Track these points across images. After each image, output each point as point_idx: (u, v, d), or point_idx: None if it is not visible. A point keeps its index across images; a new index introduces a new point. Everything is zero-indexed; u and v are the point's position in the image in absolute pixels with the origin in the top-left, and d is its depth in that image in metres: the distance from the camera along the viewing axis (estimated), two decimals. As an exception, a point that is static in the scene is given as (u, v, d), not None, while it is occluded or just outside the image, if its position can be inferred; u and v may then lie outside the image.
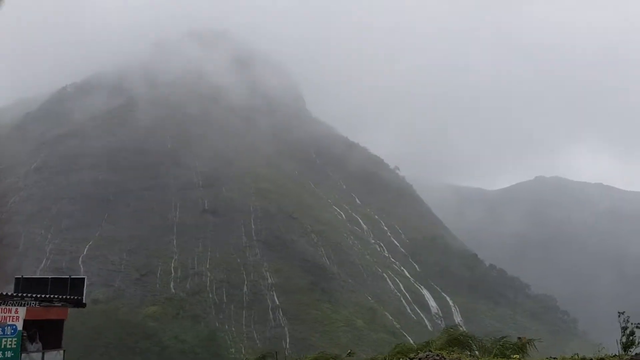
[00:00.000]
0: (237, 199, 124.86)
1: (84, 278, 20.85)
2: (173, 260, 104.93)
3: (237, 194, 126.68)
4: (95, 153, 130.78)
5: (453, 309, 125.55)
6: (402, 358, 13.07)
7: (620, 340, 14.08)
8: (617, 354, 13.36)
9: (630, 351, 13.52)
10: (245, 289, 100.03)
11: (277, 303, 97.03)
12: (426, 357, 12.45)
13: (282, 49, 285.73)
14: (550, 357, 13.24)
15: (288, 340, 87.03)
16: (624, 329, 14.08)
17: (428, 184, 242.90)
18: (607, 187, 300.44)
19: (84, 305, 19.54)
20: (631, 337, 13.98)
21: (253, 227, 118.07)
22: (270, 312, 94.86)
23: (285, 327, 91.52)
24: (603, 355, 12.95)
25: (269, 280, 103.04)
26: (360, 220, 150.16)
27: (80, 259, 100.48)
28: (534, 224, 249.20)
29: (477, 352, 14.81)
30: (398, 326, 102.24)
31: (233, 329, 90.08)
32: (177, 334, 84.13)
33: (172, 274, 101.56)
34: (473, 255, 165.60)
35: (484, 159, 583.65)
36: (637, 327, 14.05)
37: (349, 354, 15.71)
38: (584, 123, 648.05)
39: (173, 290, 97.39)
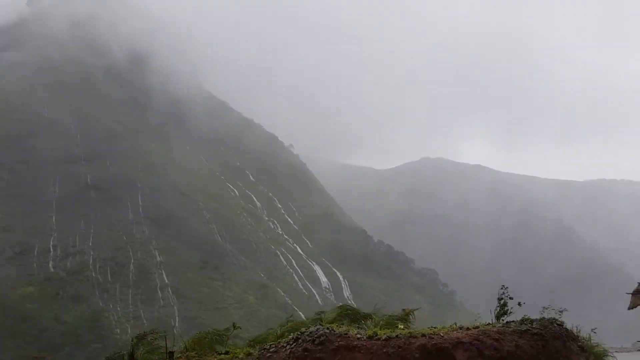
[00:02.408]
0: (122, 174, 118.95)
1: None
2: (52, 238, 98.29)
3: (122, 168, 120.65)
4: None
5: (343, 283, 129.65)
6: (293, 333, 12.99)
7: (495, 309, 14.93)
8: (491, 323, 14.15)
9: (502, 320, 14.37)
10: (131, 267, 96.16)
11: (166, 282, 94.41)
12: (316, 330, 12.46)
13: (177, 22, 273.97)
14: (431, 327, 13.77)
15: (177, 319, 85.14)
16: (500, 299, 14.96)
17: (321, 162, 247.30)
18: (485, 169, 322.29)
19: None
20: (505, 308, 14.86)
21: (140, 203, 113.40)
22: (159, 291, 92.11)
23: (175, 306, 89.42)
24: (478, 324, 13.67)
25: (158, 259, 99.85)
26: (253, 198, 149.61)
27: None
28: (418, 202, 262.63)
29: (364, 325, 15.15)
30: (290, 302, 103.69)
31: (118, 309, 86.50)
32: (57, 316, 79.29)
33: (51, 252, 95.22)
34: (362, 231, 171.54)
35: (374, 139, 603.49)
36: (510, 298, 14.95)
37: (234, 328, 15.37)
38: (469, 108, 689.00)
39: (52, 270, 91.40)
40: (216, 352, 13.67)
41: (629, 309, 32.39)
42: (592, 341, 16.34)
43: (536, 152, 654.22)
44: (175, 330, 71.13)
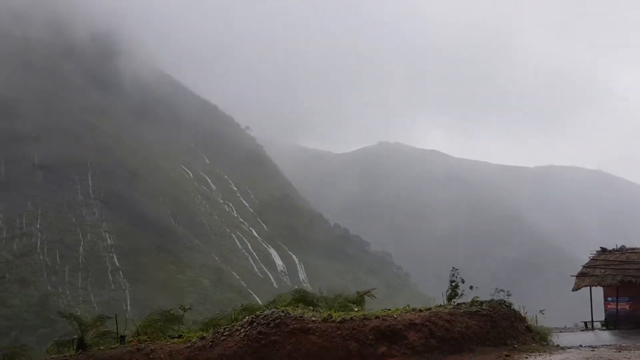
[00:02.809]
0: (72, 154, 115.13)
1: None
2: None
3: (72, 148, 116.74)
4: None
5: (298, 266, 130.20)
6: (248, 316, 12.95)
7: (447, 292, 15.29)
8: (443, 304, 14.47)
9: (453, 301, 14.72)
10: (81, 250, 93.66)
11: (118, 265, 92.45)
12: (271, 313, 12.46)
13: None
14: (385, 309, 14.00)
15: (129, 303, 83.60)
16: (451, 282, 15.32)
17: (278, 145, 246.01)
18: (441, 154, 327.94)
19: None
20: (456, 290, 15.23)
21: (90, 184, 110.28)
22: (110, 275, 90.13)
23: (126, 289, 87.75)
24: (431, 306, 13.98)
25: (108, 241, 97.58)
26: (208, 180, 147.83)
27: None
28: (375, 186, 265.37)
29: (320, 307, 15.25)
30: (245, 285, 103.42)
31: (67, 292, 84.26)
32: (3, 299, 76.62)
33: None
34: (319, 215, 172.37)
35: (333, 123, 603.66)
36: (462, 281, 15.32)
37: (184, 310, 15.23)
38: (427, 94, 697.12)
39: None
40: (169, 335, 13.51)
41: (573, 290, 33.80)
42: (538, 322, 16.97)
43: (491, 138, 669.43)
44: (127, 315, 69.88)
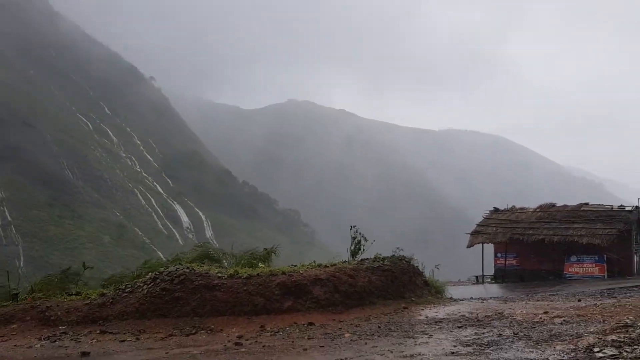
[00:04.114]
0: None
1: None
2: None
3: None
4: None
5: (205, 223, 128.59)
6: (151, 272, 12.68)
7: (350, 248, 15.75)
8: (347, 260, 14.91)
9: (357, 257, 15.21)
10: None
11: (9, 219, 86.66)
12: (176, 270, 12.28)
13: None
14: (291, 265, 14.23)
15: (22, 260, 79.05)
16: (354, 238, 15.78)
17: (184, 98, 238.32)
18: (349, 114, 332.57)
19: None
20: (358, 245, 15.73)
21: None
22: (1, 230, 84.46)
23: (19, 245, 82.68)
24: (336, 261, 14.34)
25: (0, 195, 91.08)
26: (109, 132, 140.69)
27: None
28: (284, 143, 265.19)
29: (226, 264, 15.21)
30: (148, 242, 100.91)
31: (-47, 249, 78.34)
32: None
33: None
34: (227, 171, 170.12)
35: (242, 77, 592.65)
36: (364, 238, 15.83)
37: (85, 267, 14.66)
38: (338, 53, 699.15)
39: None
40: (66, 293, 12.96)
41: (467, 247, 36.16)
42: (434, 276, 18.01)
43: (398, 101, 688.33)
44: (20, 271, 66.14)
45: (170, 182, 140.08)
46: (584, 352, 6.72)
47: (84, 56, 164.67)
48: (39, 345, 9.50)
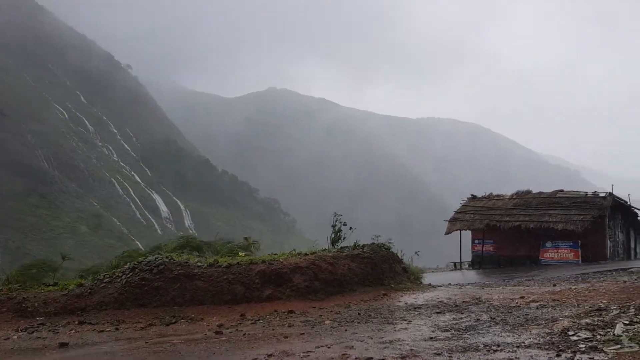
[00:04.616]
0: None
1: None
2: None
3: None
4: None
5: (184, 213, 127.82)
6: (130, 262, 12.57)
7: (330, 236, 15.81)
8: (327, 248, 14.98)
9: (337, 245, 15.28)
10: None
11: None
12: (155, 259, 12.20)
13: None
14: (272, 254, 14.24)
15: (-2, 251, 77.85)
16: (334, 226, 15.84)
17: (162, 86, 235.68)
18: (329, 102, 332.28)
19: None
20: (338, 234, 15.79)
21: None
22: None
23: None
24: (316, 250, 14.39)
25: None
26: (85, 121, 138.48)
27: None
28: (263, 132, 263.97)
29: (206, 253, 15.15)
30: (126, 231, 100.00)
31: None
32: None
33: None
34: (205, 160, 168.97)
35: (221, 65, 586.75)
36: (344, 225, 15.89)
37: (64, 258, 14.51)
38: (319, 41, 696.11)
39: None
40: (43, 284, 12.82)
41: (445, 234, 36.54)
42: (413, 263, 18.17)
43: (377, 90, 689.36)
44: (-5, 263, 65.15)
45: (148, 171, 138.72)
46: (559, 335, 6.87)
47: (60, 45, 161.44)
48: (16, 336, 9.38)
